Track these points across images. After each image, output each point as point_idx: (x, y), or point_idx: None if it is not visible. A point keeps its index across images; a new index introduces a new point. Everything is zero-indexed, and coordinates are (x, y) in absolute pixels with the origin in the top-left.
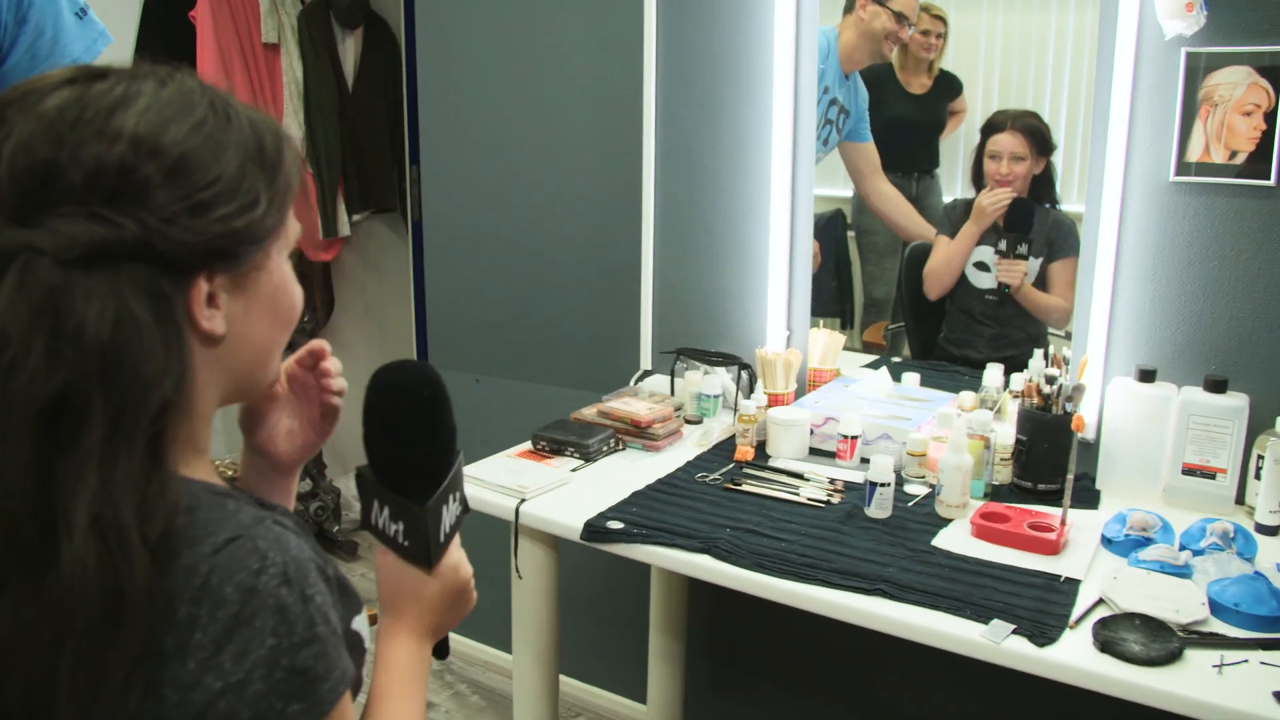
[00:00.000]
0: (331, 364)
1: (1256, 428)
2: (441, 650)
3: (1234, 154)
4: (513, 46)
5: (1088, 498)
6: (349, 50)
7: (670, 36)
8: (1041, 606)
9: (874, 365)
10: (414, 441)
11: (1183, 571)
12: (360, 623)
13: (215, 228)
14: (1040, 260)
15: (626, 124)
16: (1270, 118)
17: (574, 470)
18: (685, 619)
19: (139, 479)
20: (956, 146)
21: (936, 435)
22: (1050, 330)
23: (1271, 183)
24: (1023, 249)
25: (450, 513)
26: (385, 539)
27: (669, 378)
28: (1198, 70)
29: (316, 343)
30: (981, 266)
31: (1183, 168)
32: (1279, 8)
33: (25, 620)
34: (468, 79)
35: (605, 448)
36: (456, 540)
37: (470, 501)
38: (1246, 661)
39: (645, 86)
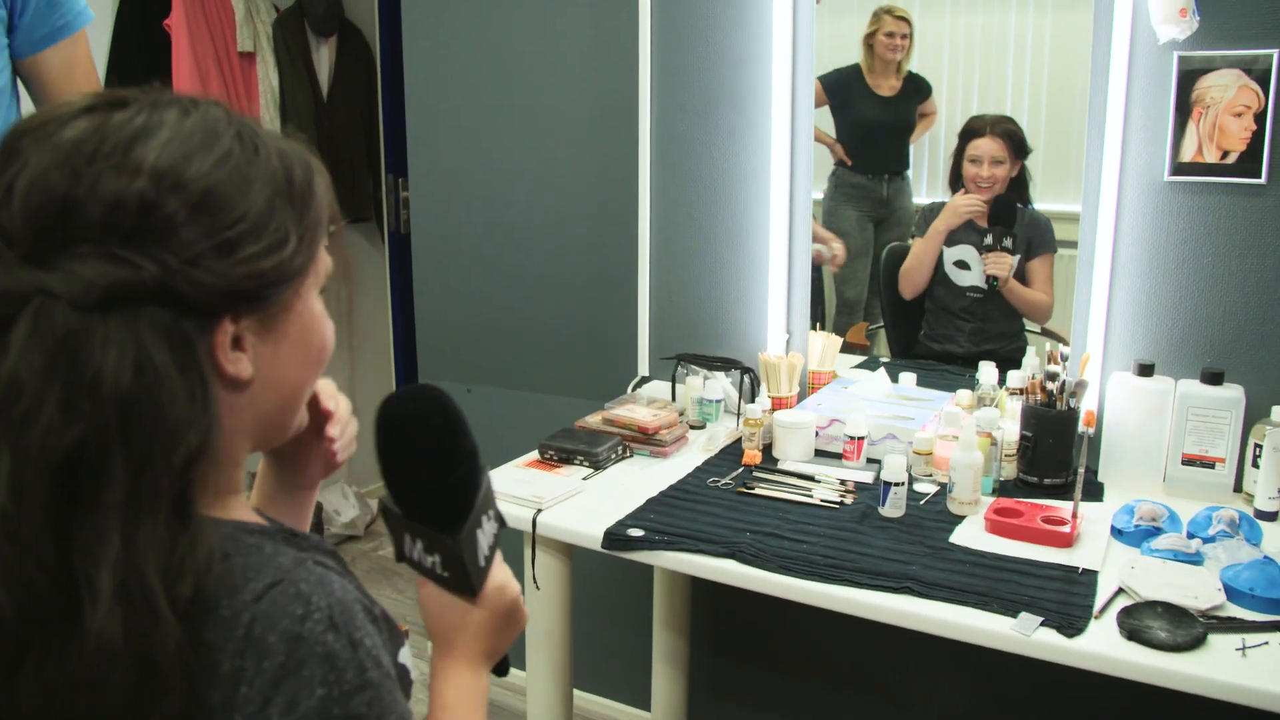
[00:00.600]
0: (335, 430)
1: (1252, 417)
2: (502, 668)
3: (1226, 154)
4: (504, 51)
5: (1091, 490)
6: (323, 58)
7: (666, 39)
8: (1064, 598)
9: (867, 366)
10: (435, 473)
11: (1195, 559)
12: (404, 655)
13: (241, 269)
14: (1019, 258)
15: (622, 129)
16: (1260, 119)
17: (585, 479)
18: (689, 620)
19: (165, 539)
20: (925, 148)
21: (943, 434)
22: (1027, 326)
23: (1262, 181)
24: (1008, 242)
25: (486, 534)
26: (423, 571)
27: (668, 384)
28: (1190, 73)
29: (325, 392)
30: (962, 265)
31: (1177, 167)
32: (1267, 14)
33: (54, 694)
34: (458, 84)
35: (614, 455)
36: (499, 558)
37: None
38: (1267, 644)
39: (640, 90)
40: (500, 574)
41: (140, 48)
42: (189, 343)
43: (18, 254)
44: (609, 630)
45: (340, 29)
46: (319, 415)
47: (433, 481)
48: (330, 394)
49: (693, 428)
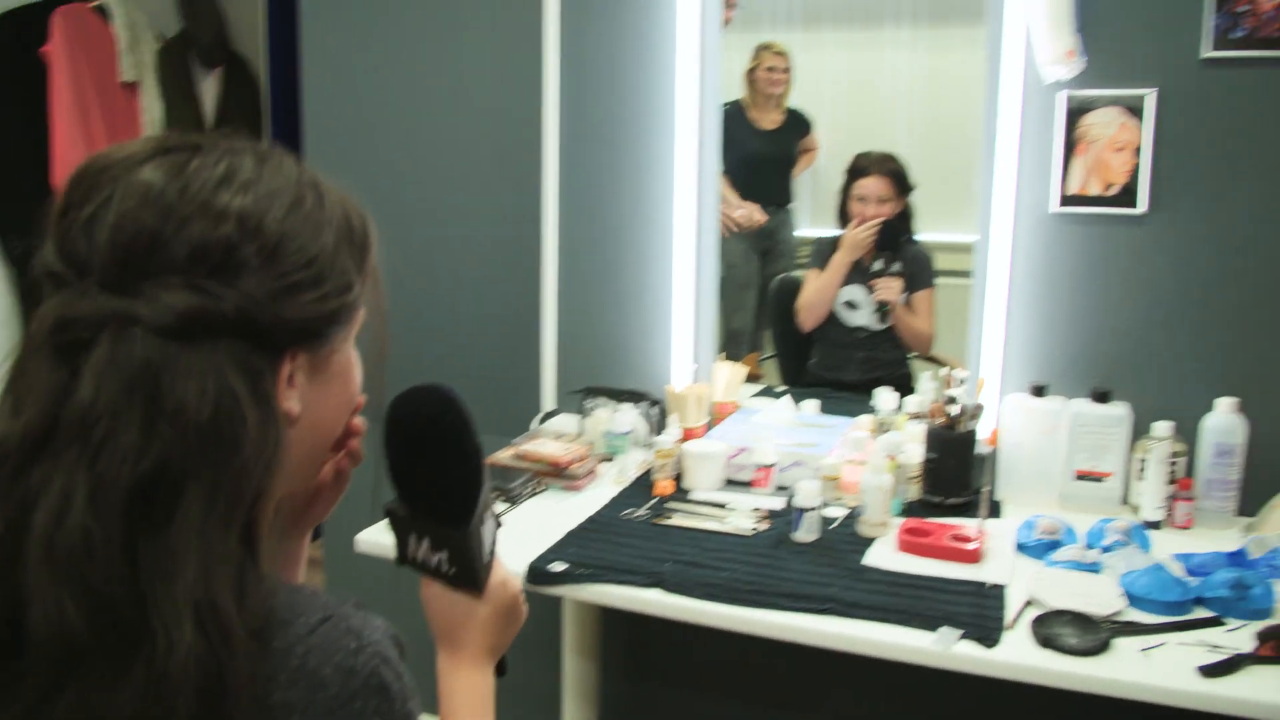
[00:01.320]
0: (360, 422)
1: (1137, 433)
2: (501, 668)
3: (1109, 186)
4: (406, 85)
5: (991, 508)
6: (209, 90)
7: (571, 73)
8: (978, 611)
9: (764, 395)
10: (446, 468)
11: (1093, 568)
12: None
13: (312, 308)
14: (905, 295)
15: (525, 164)
16: (1139, 153)
17: (500, 515)
18: (600, 646)
19: (236, 565)
20: (808, 182)
21: (849, 459)
22: (912, 355)
23: (1141, 211)
24: (896, 266)
25: (489, 530)
26: (428, 570)
27: (576, 417)
28: (1075, 111)
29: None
30: (851, 305)
31: (1064, 200)
32: (1143, 56)
33: (115, 711)
34: (357, 116)
35: (527, 490)
36: (498, 557)
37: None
38: (1165, 644)
39: (545, 123)
40: (502, 570)
41: (15, 74)
42: (261, 375)
43: (98, 282)
44: (516, 666)
45: (227, 60)
46: None
47: (443, 478)
48: None
49: (601, 460)
